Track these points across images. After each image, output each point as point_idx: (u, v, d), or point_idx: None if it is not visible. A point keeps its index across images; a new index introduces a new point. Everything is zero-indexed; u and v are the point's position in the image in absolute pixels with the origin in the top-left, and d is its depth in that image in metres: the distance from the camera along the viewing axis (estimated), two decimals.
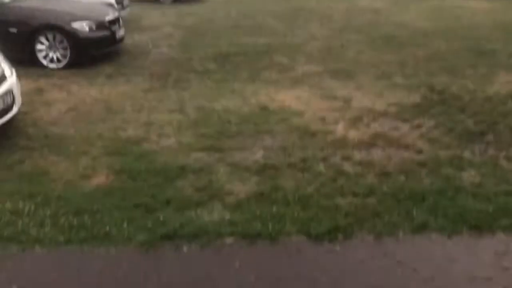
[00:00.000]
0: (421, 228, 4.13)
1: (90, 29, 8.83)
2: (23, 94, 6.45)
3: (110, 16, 9.41)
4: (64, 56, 8.64)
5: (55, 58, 8.64)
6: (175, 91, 7.49)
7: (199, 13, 14.68)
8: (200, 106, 6.85)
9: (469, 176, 4.95)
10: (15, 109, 5.82)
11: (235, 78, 8.11)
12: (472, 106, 6.81)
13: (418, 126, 6.17)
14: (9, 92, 5.69)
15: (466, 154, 5.43)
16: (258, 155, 5.43)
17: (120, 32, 9.64)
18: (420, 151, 5.48)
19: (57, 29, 8.61)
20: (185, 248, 3.92)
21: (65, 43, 8.62)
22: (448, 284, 3.57)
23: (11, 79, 5.86)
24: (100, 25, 9.03)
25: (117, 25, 9.53)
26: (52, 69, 8.53)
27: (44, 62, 8.63)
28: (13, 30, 8.52)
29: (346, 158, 5.32)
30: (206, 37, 11.34)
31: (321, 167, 5.14)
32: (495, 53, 9.52)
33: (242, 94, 7.34)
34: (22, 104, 6.26)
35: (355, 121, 6.31)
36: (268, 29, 12.23)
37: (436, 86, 7.60)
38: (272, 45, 10.36)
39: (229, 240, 4.01)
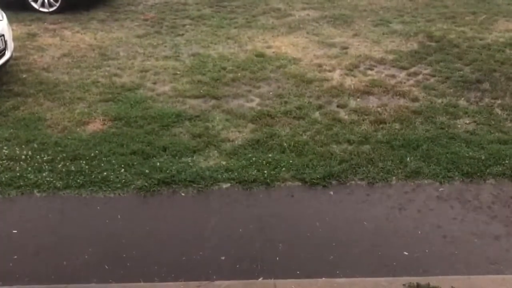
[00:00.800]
0: (414, 174, 4.22)
1: None
2: (15, 39, 6.35)
3: None
4: (55, 0, 8.42)
5: (46, 1, 8.42)
6: (170, 37, 7.37)
7: None
8: (196, 53, 6.77)
9: (463, 124, 5.00)
10: (7, 54, 5.73)
11: (231, 24, 7.97)
12: (470, 54, 6.77)
13: (415, 74, 6.16)
14: (1, 36, 5.58)
15: (462, 102, 5.46)
16: (254, 102, 5.43)
17: None
18: (415, 99, 5.50)
19: None
20: (182, 193, 4.00)
21: None
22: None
23: (2, 23, 5.73)
24: None
25: None
26: (44, 13, 8.33)
27: (35, 5, 8.42)
28: None
29: (342, 106, 5.34)
30: None
31: (317, 114, 5.16)
32: (497, 0, 9.35)
33: (238, 41, 7.24)
34: (15, 49, 6.17)
35: (352, 69, 6.27)
36: None
37: (434, 33, 7.52)
38: None
39: (225, 185, 4.08)
